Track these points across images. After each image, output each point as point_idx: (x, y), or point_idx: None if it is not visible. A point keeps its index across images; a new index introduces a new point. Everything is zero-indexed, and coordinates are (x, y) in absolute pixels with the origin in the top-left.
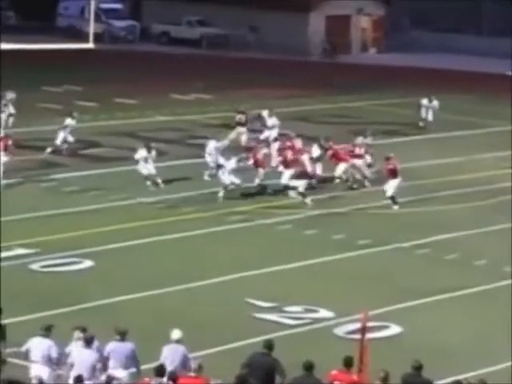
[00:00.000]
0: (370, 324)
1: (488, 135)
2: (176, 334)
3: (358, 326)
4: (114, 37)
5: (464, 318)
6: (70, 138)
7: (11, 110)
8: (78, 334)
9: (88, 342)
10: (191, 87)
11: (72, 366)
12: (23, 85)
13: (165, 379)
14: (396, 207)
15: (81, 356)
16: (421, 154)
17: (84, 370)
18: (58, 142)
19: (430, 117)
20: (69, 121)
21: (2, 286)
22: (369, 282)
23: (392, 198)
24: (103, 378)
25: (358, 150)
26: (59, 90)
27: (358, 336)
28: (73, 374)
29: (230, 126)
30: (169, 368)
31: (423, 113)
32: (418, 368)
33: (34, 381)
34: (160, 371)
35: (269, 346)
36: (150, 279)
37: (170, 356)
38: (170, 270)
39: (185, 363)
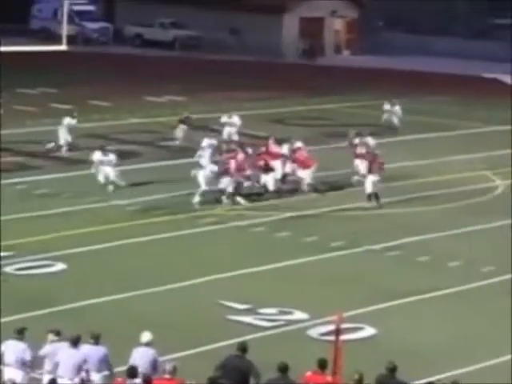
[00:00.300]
0: (344, 326)
1: (461, 137)
2: (146, 336)
3: (332, 327)
4: (87, 39)
5: (437, 319)
6: (69, 138)
7: None
8: (51, 336)
9: (74, 343)
10: (164, 89)
11: (57, 365)
12: None
13: (138, 380)
14: (370, 204)
15: (67, 356)
16: (394, 156)
17: (69, 370)
18: (61, 141)
19: (396, 121)
20: (68, 120)
21: None
22: (342, 283)
23: (369, 195)
24: (77, 380)
25: (359, 150)
26: (34, 92)
27: (332, 338)
28: (58, 373)
29: (205, 128)
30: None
31: (385, 117)
32: (392, 369)
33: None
34: (132, 373)
35: (243, 348)
36: (122, 282)
37: (139, 359)
38: (142, 272)
39: (154, 366)
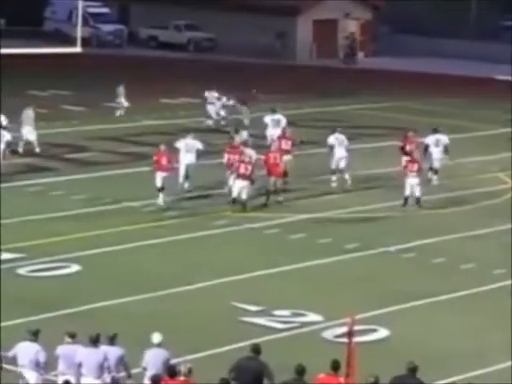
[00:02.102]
0: (357, 328)
1: (473, 139)
2: (156, 337)
3: (346, 329)
4: (102, 41)
5: (451, 321)
6: (223, 113)
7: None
8: (66, 339)
9: (94, 341)
10: (179, 91)
11: (80, 366)
12: (10, 89)
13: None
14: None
15: (88, 355)
16: None
17: (93, 369)
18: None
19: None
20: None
21: None
22: (356, 285)
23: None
24: (108, 380)
25: (408, 147)
26: (46, 94)
27: (346, 340)
28: (82, 373)
29: (216, 131)
30: (150, 372)
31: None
32: (413, 369)
33: None
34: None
35: (256, 349)
36: (137, 283)
37: (151, 360)
38: (157, 274)
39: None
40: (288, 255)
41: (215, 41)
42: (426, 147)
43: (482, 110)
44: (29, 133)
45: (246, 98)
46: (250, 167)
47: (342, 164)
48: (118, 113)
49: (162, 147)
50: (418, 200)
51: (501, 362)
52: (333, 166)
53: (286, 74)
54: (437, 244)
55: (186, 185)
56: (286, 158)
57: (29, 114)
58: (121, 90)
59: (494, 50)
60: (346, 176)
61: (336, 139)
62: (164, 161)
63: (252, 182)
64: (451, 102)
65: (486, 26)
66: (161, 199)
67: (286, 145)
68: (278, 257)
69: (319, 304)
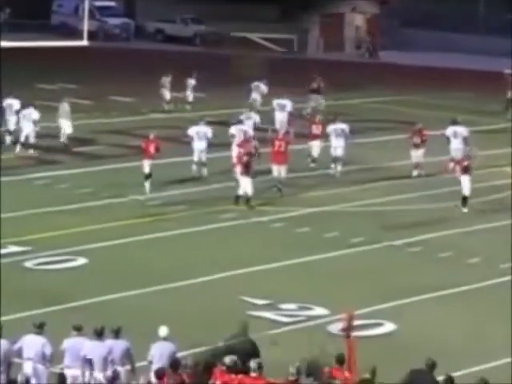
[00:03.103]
0: (363, 322)
1: (482, 133)
2: (163, 331)
3: (345, 324)
4: (109, 34)
5: (457, 315)
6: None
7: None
8: (72, 332)
9: (99, 334)
10: (186, 84)
11: (85, 359)
12: (17, 82)
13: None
14: (465, 210)
15: (92, 348)
16: None
17: (97, 362)
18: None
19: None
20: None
21: None
22: (362, 279)
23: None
24: (109, 372)
25: (415, 140)
26: (53, 87)
27: (352, 334)
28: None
29: (224, 124)
30: (156, 365)
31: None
32: (432, 366)
33: (20, 377)
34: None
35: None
36: (143, 277)
37: (157, 353)
38: (163, 267)
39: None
40: (294, 249)
41: (221, 34)
42: (448, 139)
43: (490, 104)
44: (68, 127)
45: (316, 87)
46: (236, 162)
47: (339, 153)
48: (166, 106)
49: (151, 135)
50: (464, 199)
51: (507, 356)
52: (333, 154)
53: (294, 68)
54: (443, 238)
55: (204, 171)
56: (316, 143)
57: (65, 107)
58: (166, 80)
59: (502, 44)
60: (338, 167)
61: (334, 129)
62: (152, 148)
63: (249, 174)
64: (459, 95)
65: (495, 20)
66: (147, 187)
67: (316, 129)
68: (285, 250)
69: (325, 298)
